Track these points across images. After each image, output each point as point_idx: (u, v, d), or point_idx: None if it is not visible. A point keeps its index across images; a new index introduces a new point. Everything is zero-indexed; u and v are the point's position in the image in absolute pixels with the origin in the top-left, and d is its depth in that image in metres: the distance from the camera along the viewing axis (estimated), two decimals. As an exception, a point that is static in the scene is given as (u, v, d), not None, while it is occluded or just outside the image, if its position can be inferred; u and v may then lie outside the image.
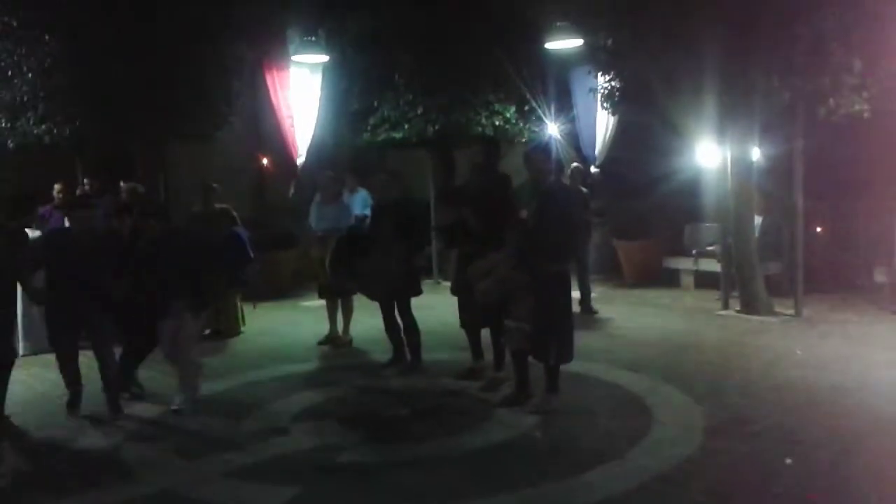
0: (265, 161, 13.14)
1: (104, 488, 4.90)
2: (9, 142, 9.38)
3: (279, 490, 4.76)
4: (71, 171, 9.28)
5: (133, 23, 8.69)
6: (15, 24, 9.08)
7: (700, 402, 5.98)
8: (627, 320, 9.15)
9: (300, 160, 11.86)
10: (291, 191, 11.83)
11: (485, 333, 6.75)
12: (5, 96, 9.26)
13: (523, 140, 11.43)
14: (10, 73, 9.20)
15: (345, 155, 12.36)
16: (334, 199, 8.64)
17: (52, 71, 8.91)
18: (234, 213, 8.64)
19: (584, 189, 9.55)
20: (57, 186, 9.13)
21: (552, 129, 11.68)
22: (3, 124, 9.31)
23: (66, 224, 6.81)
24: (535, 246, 5.68)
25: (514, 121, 11.41)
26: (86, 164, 8.98)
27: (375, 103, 11.47)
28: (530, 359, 5.98)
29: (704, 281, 10.72)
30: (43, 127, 9.08)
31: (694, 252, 10.96)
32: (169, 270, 6.07)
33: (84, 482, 4.98)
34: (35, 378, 7.25)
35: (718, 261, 9.92)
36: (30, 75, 9.04)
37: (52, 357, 6.42)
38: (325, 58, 11.32)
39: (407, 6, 10.96)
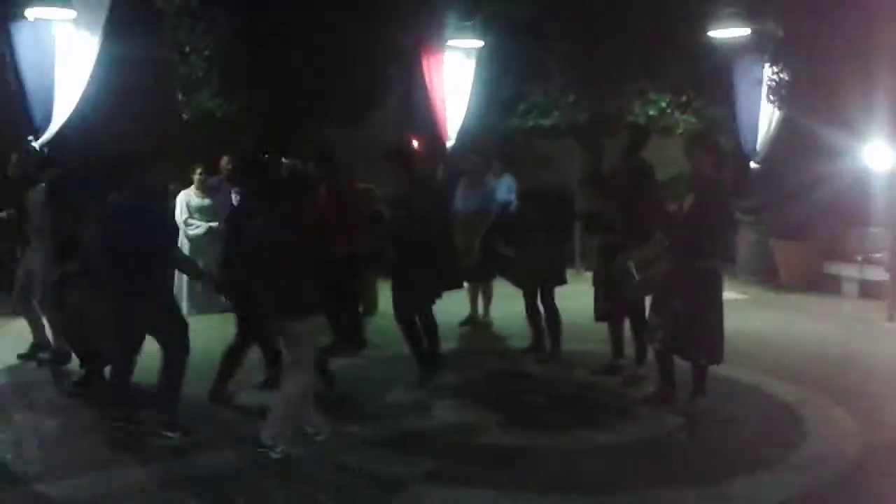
0: (415, 143, 13.35)
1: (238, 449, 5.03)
2: (183, 114, 10.03)
3: (419, 461, 4.88)
4: (239, 146, 9.84)
5: (302, 9, 9.02)
6: (194, 2, 9.65)
7: (859, 418, 5.60)
8: (784, 326, 8.65)
9: (450, 143, 11.99)
10: (440, 174, 11.98)
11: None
12: (183, 71, 9.89)
13: (679, 132, 11.03)
14: (187, 49, 9.81)
15: (493, 140, 12.37)
16: (479, 184, 8.67)
17: (227, 51, 9.42)
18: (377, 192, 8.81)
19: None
20: (225, 159, 9.67)
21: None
22: (180, 97, 9.97)
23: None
24: (691, 241, 5.49)
25: (668, 111, 11.03)
26: (254, 140, 9.51)
27: (526, 90, 11.40)
28: (676, 359, 5.80)
29: (869, 290, 9.99)
30: (216, 102, 9.64)
31: (859, 258, 10.25)
32: None
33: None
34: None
35: (886, 269, 9.23)
36: (206, 52, 9.60)
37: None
38: (480, 43, 11.36)
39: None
